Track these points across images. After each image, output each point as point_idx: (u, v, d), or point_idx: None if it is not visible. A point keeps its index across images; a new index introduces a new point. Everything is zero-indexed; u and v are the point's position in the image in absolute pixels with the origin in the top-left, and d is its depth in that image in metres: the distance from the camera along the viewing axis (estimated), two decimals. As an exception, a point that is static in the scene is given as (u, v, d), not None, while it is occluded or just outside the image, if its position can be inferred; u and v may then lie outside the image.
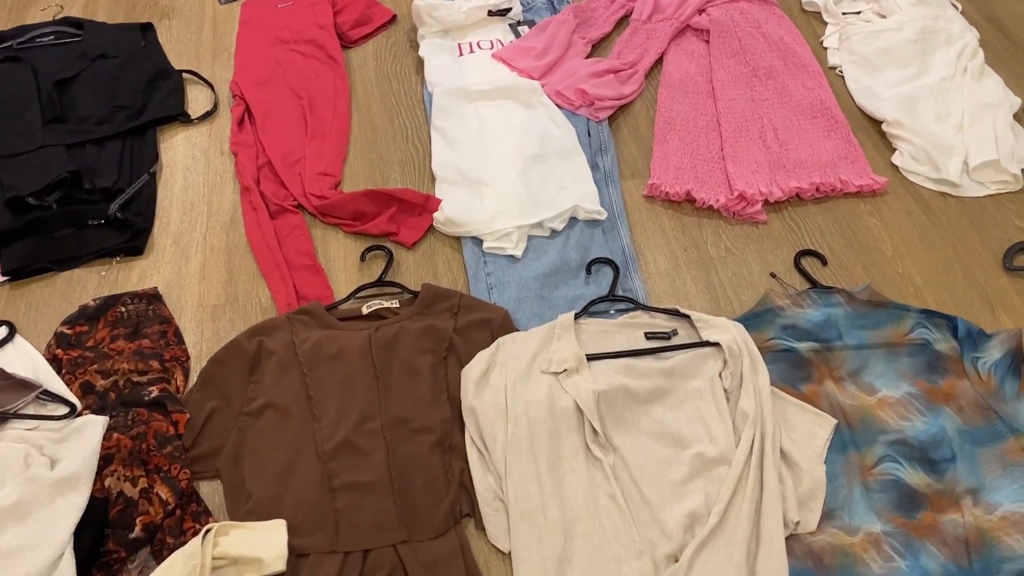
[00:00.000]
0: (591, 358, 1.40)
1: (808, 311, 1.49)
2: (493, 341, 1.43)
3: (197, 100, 1.96)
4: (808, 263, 1.61)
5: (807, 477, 1.28)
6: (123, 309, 1.53)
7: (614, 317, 1.50)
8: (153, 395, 1.38)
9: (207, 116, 1.92)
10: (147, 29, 2.11)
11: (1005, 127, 1.79)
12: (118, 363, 1.44)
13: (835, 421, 1.34)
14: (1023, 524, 1.22)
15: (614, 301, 1.52)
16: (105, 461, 1.29)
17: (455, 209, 1.66)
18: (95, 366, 1.44)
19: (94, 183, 1.71)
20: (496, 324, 1.47)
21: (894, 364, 1.42)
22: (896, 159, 1.79)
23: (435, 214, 1.66)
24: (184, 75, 2.00)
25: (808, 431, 1.34)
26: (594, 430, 1.31)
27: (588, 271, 1.59)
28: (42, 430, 1.31)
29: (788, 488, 1.27)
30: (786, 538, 1.22)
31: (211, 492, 1.33)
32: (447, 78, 1.92)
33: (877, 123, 1.86)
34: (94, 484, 1.25)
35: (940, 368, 1.41)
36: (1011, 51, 2.01)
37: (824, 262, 1.61)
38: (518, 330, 1.47)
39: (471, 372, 1.39)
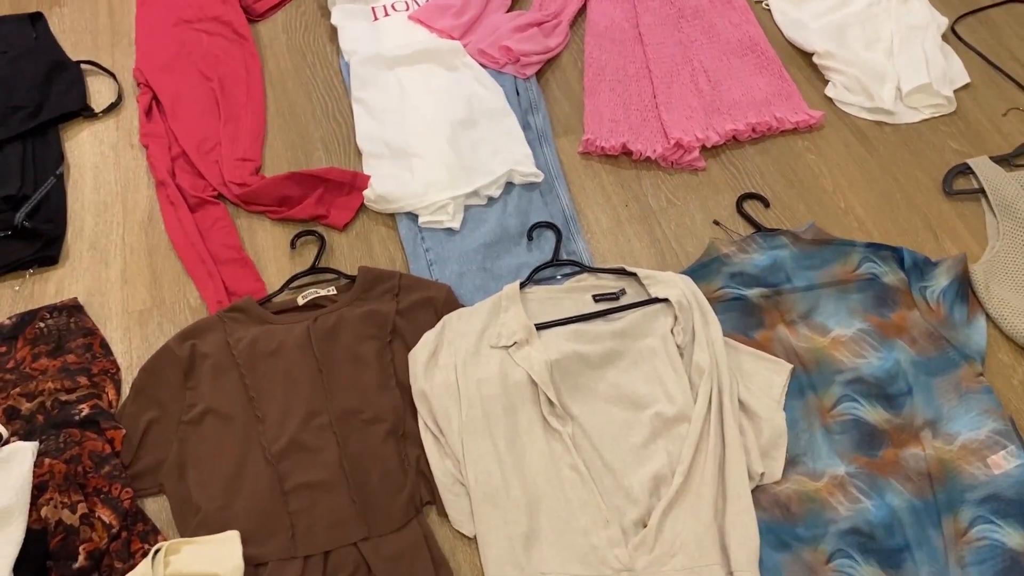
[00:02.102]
0: (540, 327, 1.36)
1: (754, 256, 1.46)
2: (438, 320, 1.38)
3: (100, 92, 1.84)
4: (751, 206, 1.58)
5: (767, 426, 1.26)
6: (42, 325, 1.44)
7: (560, 282, 1.45)
8: (84, 413, 1.30)
9: (112, 108, 1.80)
10: (37, 19, 1.97)
11: (935, 49, 1.77)
12: (43, 383, 1.36)
13: (791, 366, 1.33)
14: (982, 451, 1.22)
15: (559, 266, 1.48)
16: (39, 490, 1.21)
17: (385, 184, 1.59)
18: (18, 389, 1.35)
19: (-5, 192, 1.60)
20: (440, 302, 1.42)
21: (844, 302, 1.41)
22: (830, 91, 1.77)
23: (365, 192, 1.59)
24: (83, 66, 1.87)
25: (765, 379, 1.32)
26: (550, 401, 1.27)
27: (530, 237, 1.54)
28: (-34, 465, 1.23)
29: (750, 439, 1.25)
30: (752, 490, 1.20)
31: (157, 509, 1.26)
32: (363, 45, 1.83)
33: (808, 56, 1.83)
34: (30, 516, 1.18)
35: (890, 301, 1.41)
36: (934, -30, 1.99)
37: (766, 204, 1.58)
38: (463, 306, 1.42)
39: (419, 355, 1.34)
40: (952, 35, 1.85)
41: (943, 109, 1.72)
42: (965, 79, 1.76)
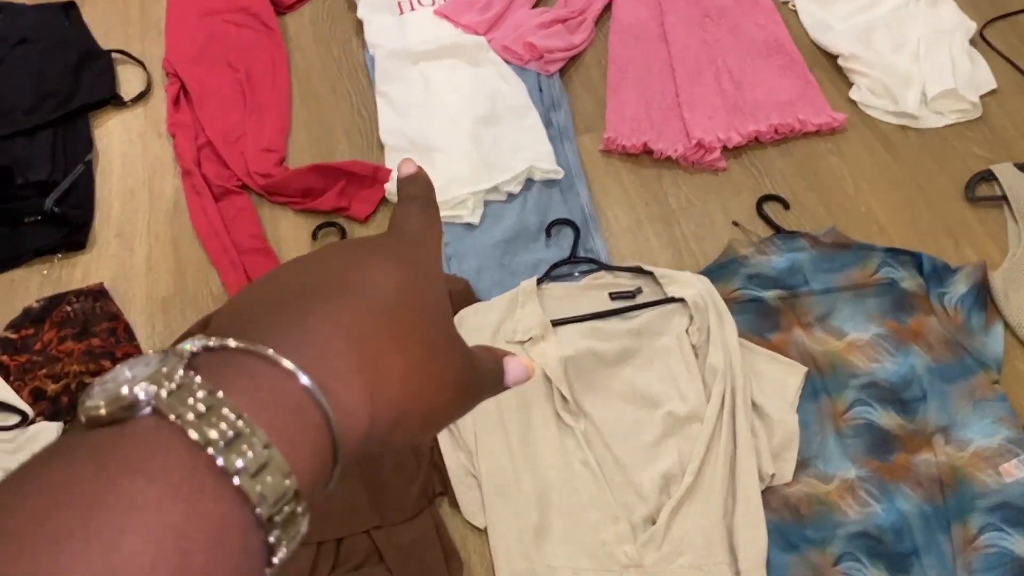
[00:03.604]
0: (556, 323, 1.37)
1: (772, 258, 1.47)
2: (455, 314, 1.40)
3: (129, 81, 1.87)
4: (770, 208, 1.58)
5: (780, 428, 1.27)
6: (69, 308, 1.47)
7: (578, 279, 1.46)
8: (107, 396, 1.33)
9: (141, 97, 1.83)
10: (70, 8, 2.01)
11: (962, 54, 1.75)
12: (68, 365, 1.39)
13: (805, 369, 1.33)
14: (995, 459, 1.22)
15: (576, 263, 1.49)
16: (62, 469, 1.25)
17: (407, 178, 1.60)
18: (44, 370, 1.39)
19: (27, 177, 1.63)
20: (458, 296, 1.43)
21: (861, 306, 1.41)
22: (854, 94, 1.76)
23: (386, 185, 1.61)
24: (113, 55, 1.90)
25: (779, 381, 1.32)
26: (563, 397, 1.29)
27: (548, 234, 1.55)
28: (-7, 443, 1.27)
29: (762, 441, 1.25)
30: (762, 491, 1.21)
31: (176, 492, 1.29)
32: (389, 39, 1.85)
33: (833, 58, 1.82)
34: (53, 494, 1.22)
35: (907, 306, 1.40)
36: (964, -27, 1.97)
37: (787, 206, 1.58)
38: (480, 300, 1.44)
39: (434, 348, 1.35)
40: (981, 40, 1.83)
41: (968, 114, 1.70)
42: (992, 85, 1.74)
